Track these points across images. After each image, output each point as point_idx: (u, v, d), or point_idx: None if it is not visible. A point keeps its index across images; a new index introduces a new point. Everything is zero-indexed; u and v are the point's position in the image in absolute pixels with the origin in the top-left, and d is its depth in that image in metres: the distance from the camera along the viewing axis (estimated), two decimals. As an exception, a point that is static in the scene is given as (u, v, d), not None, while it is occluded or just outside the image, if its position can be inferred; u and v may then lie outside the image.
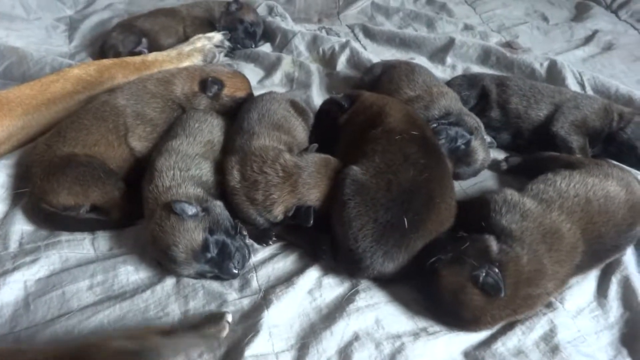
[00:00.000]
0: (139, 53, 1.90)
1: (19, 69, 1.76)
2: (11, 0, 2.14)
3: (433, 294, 1.04)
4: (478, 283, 0.98)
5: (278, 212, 1.15)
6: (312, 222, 1.14)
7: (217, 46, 1.92)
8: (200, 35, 1.94)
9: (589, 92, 1.69)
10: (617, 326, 1.05)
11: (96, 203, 1.25)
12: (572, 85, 1.70)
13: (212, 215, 1.12)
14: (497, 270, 0.99)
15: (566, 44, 2.09)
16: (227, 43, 1.96)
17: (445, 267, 1.03)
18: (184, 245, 1.06)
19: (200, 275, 1.10)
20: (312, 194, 1.16)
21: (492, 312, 0.99)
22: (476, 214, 1.13)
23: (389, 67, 1.64)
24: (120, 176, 1.31)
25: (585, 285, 1.11)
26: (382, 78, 1.61)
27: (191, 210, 1.09)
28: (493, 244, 1.04)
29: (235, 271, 1.09)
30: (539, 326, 1.02)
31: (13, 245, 1.20)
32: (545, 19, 2.29)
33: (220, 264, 1.08)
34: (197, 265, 1.07)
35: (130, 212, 1.24)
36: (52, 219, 1.23)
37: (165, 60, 1.75)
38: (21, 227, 1.24)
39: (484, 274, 0.98)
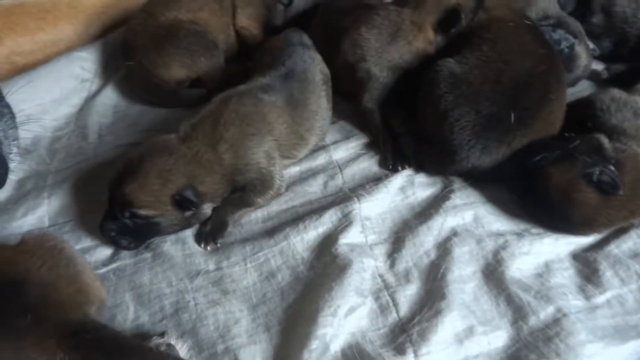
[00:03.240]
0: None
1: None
2: None
3: (537, 194, 0.96)
4: (592, 181, 0.90)
5: None
6: None
7: None
8: None
9: None
10: None
11: (200, 74, 1.22)
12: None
13: None
14: (612, 167, 0.90)
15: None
16: None
17: (553, 165, 0.94)
18: None
19: None
20: None
21: (607, 212, 0.91)
22: (581, 115, 1.04)
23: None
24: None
25: None
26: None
27: None
28: (605, 142, 0.95)
29: None
30: (658, 231, 0.94)
31: (92, 137, 1.19)
32: None
33: None
34: None
35: (225, 84, 1.20)
36: (156, 94, 1.20)
37: None
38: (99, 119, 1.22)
39: (598, 172, 0.90)
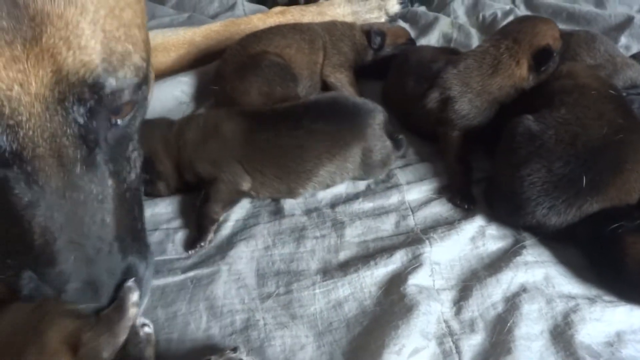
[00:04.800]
0: (296, 2, 1.94)
1: (191, 1, 1.86)
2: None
3: (613, 262, 0.95)
4: (672, 255, 0.89)
5: None
6: None
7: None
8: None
9: None
10: None
11: (277, 102, 1.29)
12: None
13: None
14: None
15: None
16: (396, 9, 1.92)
17: (631, 235, 0.93)
18: None
19: None
20: None
21: (687, 288, 0.89)
22: None
23: (564, 34, 1.51)
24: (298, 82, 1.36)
25: None
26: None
27: None
28: None
29: None
30: None
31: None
32: None
33: None
34: None
35: None
36: None
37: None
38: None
39: (680, 247, 0.88)
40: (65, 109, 0.66)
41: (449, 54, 1.38)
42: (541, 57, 1.17)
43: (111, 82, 0.68)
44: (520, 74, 1.18)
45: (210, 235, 1.04)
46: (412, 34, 1.85)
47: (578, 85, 1.11)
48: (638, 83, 1.31)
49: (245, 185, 1.08)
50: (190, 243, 1.03)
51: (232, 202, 1.12)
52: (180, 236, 1.06)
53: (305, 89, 1.41)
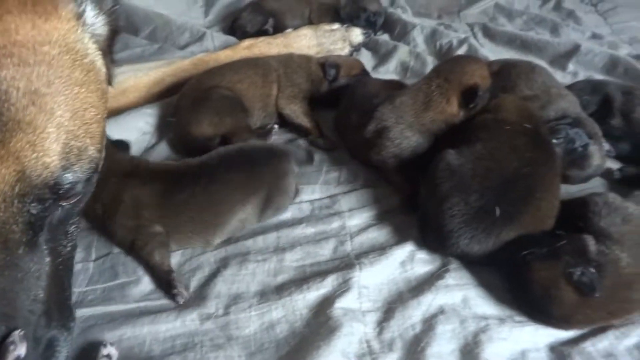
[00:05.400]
0: (266, 32, 2.04)
1: (163, 33, 1.96)
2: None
3: (523, 286, 1.04)
4: (572, 280, 0.97)
5: None
6: None
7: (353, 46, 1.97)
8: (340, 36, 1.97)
9: None
10: None
11: (226, 132, 1.40)
12: None
13: None
14: (592, 270, 0.97)
15: None
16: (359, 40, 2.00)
17: (539, 261, 1.02)
18: None
19: None
20: None
21: (584, 311, 0.97)
22: (575, 214, 1.11)
23: (507, 65, 1.62)
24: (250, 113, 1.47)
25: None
26: (500, 75, 1.58)
27: None
28: (591, 244, 1.01)
29: None
30: (635, 334, 0.98)
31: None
32: (688, 35, 2.14)
33: None
34: None
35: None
36: (190, 149, 1.38)
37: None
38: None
39: (579, 272, 0.97)
40: (23, 203, 0.69)
41: (395, 87, 1.47)
42: (469, 95, 1.26)
43: (67, 177, 0.71)
44: (451, 110, 1.28)
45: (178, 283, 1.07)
46: (373, 62, 1.96)
47: (496, 120, 1.21)
48: (569, 113, 1.40)
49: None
50: (171, 297, 1.06)
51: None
52: (130, 259, 1.14)
53: (260, 119, 1.51)
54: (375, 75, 1.80)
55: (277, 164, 1.22)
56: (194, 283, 1.10)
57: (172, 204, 1.13)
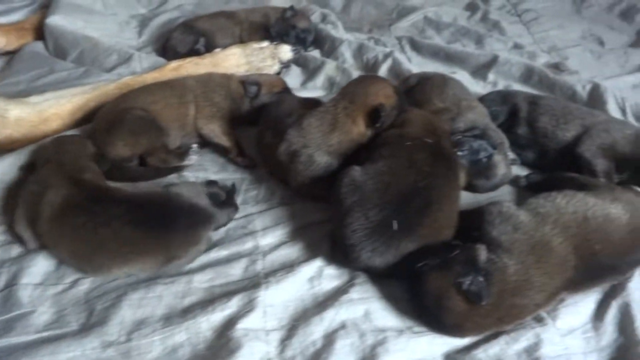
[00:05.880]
0: (197, 52, 2.05)
1: (90, 55, 1.95)
2: (93, -4, 2.37)
3: (419, 296, 1.08)
4: (461, 289, 1.01)
5: None
6: None
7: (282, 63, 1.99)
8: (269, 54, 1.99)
9: (630, 118, 1.65)
10: (608, 350, 1.04)
11: (144, 152, 1.42)
12: (613, 110, 1.66)
13: None
14: (481, 278, 1.01)
15: (619, 69, 2.02)
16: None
17: (431, 272, 1.06)
18: None
19: None
20: None
21: (474, 319, 1.01)
22: (471, 224, 1.16)
23: (423, 78, 1.68)
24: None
25: (582, 306, 1.10)
26: (416, 88, 1.65)
27: None
28: (482, 253, 1.06)
29: None
30: (525, 338, 1.03)
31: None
32: (601, 43, 2.23)
33: None
34: None
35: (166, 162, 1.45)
36: (110, 172, 1.37)
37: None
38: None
39: (468, 282, 1.01)
40: None
41: (312, 105, 1.49)
42: (374, 115, 1.30)
43: None
44: (358, 130, 1.31)
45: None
46: (302, 78, 1.99)
47: (401, 135, 1.25)
48: (477, 125, 1.45)
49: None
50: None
51: None
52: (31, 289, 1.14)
53: (179, 139, 1.52)
54: (302, 91, 1.84)
55: (194, 231, 1.18)
56: (99, 307, 1.10)
57: (65, 223, 1.14)
